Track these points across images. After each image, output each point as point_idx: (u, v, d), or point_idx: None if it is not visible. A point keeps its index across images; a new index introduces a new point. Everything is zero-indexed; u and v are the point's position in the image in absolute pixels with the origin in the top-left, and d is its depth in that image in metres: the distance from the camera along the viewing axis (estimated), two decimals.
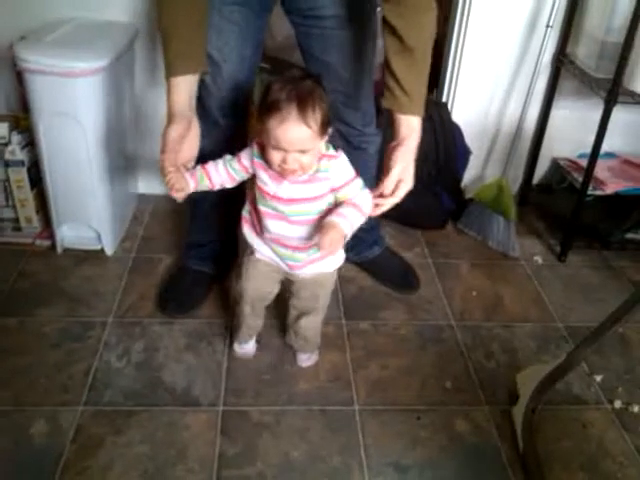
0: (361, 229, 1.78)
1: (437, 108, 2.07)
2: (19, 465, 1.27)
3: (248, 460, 1.31)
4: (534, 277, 1.95)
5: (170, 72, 1.28)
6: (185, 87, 1.30)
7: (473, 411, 1.47)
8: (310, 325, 1.50)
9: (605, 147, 1.92)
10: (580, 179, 2.01)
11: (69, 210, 1.83)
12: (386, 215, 1.86)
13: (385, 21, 1.27)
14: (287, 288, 1.47)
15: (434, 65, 2.22)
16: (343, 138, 1.63)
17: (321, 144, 1.20)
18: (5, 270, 1.79)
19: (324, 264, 1.37)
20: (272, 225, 1.29)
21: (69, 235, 1.89)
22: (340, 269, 1.43)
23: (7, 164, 1.82)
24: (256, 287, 1.44)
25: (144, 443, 1.33)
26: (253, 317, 1.51)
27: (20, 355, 1.52)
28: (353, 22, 1.44)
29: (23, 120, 1.87)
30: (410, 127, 1.31)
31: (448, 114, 2.09)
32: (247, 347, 1.57)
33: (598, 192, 2.05)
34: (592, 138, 1.86)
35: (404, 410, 1.46)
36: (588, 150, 1.90)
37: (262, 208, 1.29)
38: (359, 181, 1.27)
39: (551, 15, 1.90)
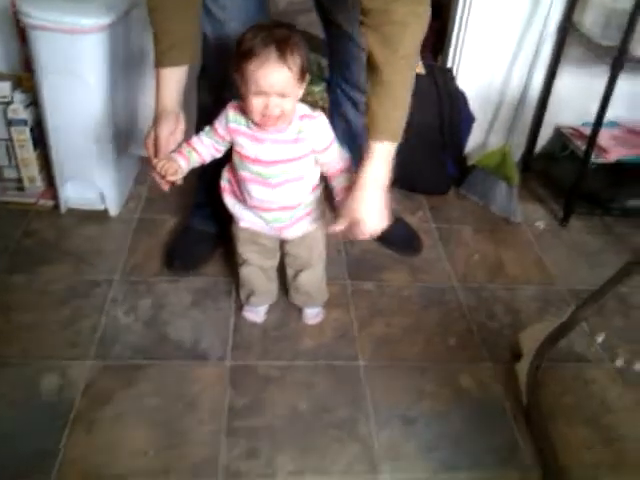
0: None
1: (442, 74, 2.06)
2: (30, 417, 1.28)
3: (256, 412, 1.33)
4: (536, 242, 1.97)
5: (161, 62, 1.29)
6: (175, 79, 1.31)
7: (477, 367, 1.49)
8: (309, 280, 1.51)
9: (609, 116, 1.92)
10: (583, 147, 2.02)
11: (73, 169, 1.82)
12: (392, 179, 1.90)
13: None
14: (281, 248, 1.49)
15: (439, 30, 2.24)
16: (353, 104, 1.64)
17: (300, 92, 1.22)
18: (9, 229, 1.79)
19: (310, 223, 1.40)
20: (254, 190, 1.30)
21: (73, 196, 1.88)
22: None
23: (10, 123, 1.81)
24: (253, 250, 1.46)
25: (154, 396, 1.34)
26: (265, 281, 1.51)
27: (26, 312, 1.52)
28: None
29: (26, 80, 1.85)
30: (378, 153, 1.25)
31: (453, 80, 2.08)
32: (258, 312, 1.57)
33: (600, 160, 2.06)
34: (596, 107, 1.86)
35: (409, 366, 1.48)
36: (591, 119, 1.91)
37: (243, 173, 1.30)
38: (336, 144, 1.30)
39: None
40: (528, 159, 2.30)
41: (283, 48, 1.13)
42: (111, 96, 1.73)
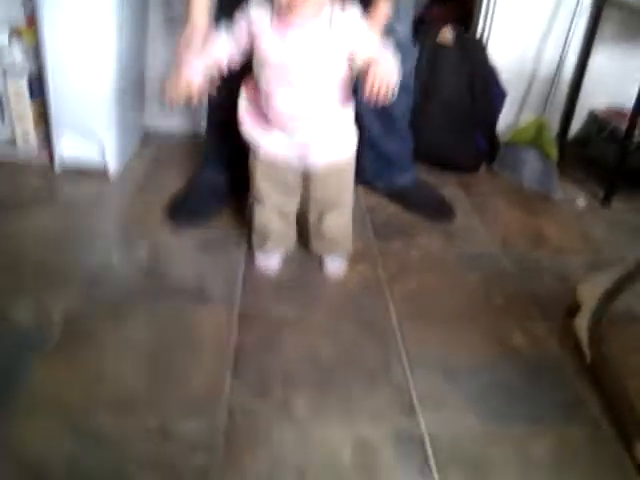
0: (390, 148, 1.63)
1: (473, 46, 1.93)
2: None
3: (268, 352, 1.11)
4: (578, 217, 1.78)
5: None
6: None
7: (528, 325, 1.27)
8: (336, 223, 1.32)
9: None
10: (623, 126, 1.86)
11: (71, 117, 1.65)
12: (418, 155, 1.73)
13: None
14: (305, 188, 1.29)
15: (467, 4, 2.13)
16: None
17: None
18: None
19: (338, 149, 1.23)
20: (279, 96, 1.13)
21: (70, 153, 1.70)
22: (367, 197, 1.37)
23: (5, 73, 1.67)
24: (272, 186, 1.27)
25: (147, 328, 1.14)
26: (282, 226, 1.33)
27: (3, 251, 1.32)
28: None
29: (26, 33, 1.72)
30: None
31: (485, 53, 1.94)
32: (272, 259, 1.37)
33: None
34: (632, 89, 1.71)
35: (447, 319, 1.26)
36: (628, 102, 1.76)
37: (266, 78, 1.13)
38: (376, 39, 1.13)
39: None
40: (562, 143, 2.13)
41: None
42: (118, 35, 1.59)
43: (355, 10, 1.11)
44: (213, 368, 1.06)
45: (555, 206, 1.83)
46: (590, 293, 1.27)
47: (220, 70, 1.15)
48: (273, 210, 1.30)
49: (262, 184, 1.27)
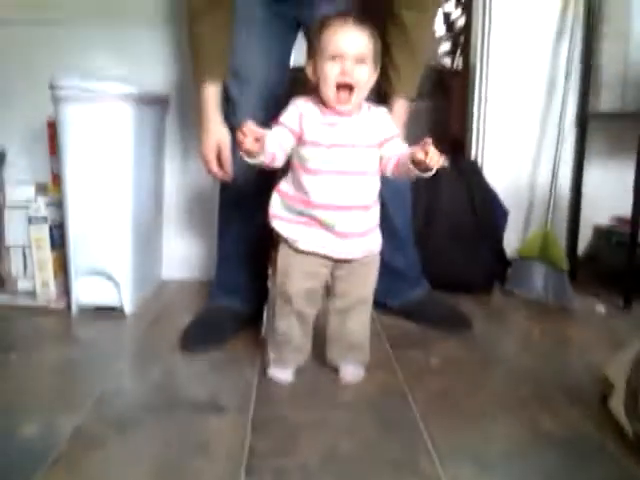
0: (399, 263, 1.65)
1: (469, 167, 2.04)
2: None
3: (284, 453, 1.04)
4: (600, 322, 1.73)
5: (211, 75, 1.43)
6: (216, 95, 1.45)
7: (559, 413, 1.19)
8: (357, 325, 1.32)
9: None
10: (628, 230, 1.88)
11: (89, 262, 1.72)
12: (428, 279, 1.75)
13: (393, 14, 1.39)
14: (331, 286, 1.30)
15: (461, 137, 2.27)
16: None
17: (372, 79, 1.22)
18: (14, 326, 1.64)
19: (373, 241, 1.28)
20: (328, 183, 1.20)
21: (87, 298, 1.74)
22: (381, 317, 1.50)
23: (30, 221, 1.78)
24: (303, 286, 1.25)
25: (156, 439, 1.07)
26: (301, 333, 1.29)
27: (17, 381, 1.31)
28: None
29: (51, 188, 1.87)
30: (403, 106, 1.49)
31: (480, 173, 2.04)
32: (286, 371, 1.32)
33: None
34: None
35: (474, 413, 1.19)
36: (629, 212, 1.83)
37: (314, 167, 1.20)
38: (401, 140, 1.27)
39: (568, 71, 1.97)
40: (573, 260, 2.14)
41: (361, 22, 1.18)
42: (135, 191, 1.72)
43: (384, 108, 1.28)
44: (226, 472, 0.98)
45: (575, 314, 1.80)
46: (619, 371, 1.20)
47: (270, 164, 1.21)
48: (296, 314, 1.27)
49: (293, 280, 1.25)
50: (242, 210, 1.57)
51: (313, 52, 1.21)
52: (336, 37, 1.15)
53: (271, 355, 1.32)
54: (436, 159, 1.12)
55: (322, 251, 1.23)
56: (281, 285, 1.27)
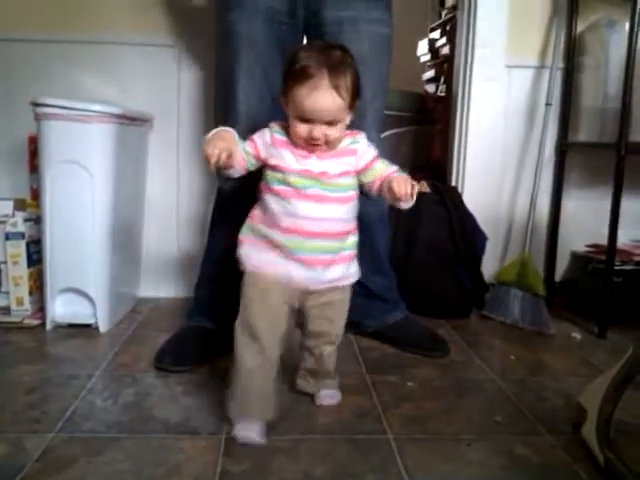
0: (380, 286, 1.65)
1: (449, 191, 2.05)
2: None
3: (257, 476, 1.03)
4: (576, 347, 1.74)
5: None
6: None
7: (534, 439, 1.19)
8: (332, 356, 1.31)
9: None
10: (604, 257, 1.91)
11: (65, 279, 1.70)
12: (407, 303, 1.74)
13: None
14: (300, 318, 1.26)
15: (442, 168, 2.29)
16: None
17: (348, 118, 1.15)
18: None
19: (343, 271, 1.22)
20: (294, 208, 1.13)
21: (62, 314, 1.73)
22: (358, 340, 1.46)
23: (7, 237, 1.75)
24: (268, 319, 1.16)
25: (126, 461, 1.06)
26: (264, 374, 1.16)
27: None
28: None
29: (30, 205, 1.85)
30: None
31: (460, 197, 2.06)
32: (252, 429, 1.14)
33: (628, 267, 1.94)
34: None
35: (449, 439, 1.19)
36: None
37: (282, 190, 1.14)
38: (381, 160, 1.21)
39: (548, 101, 2.01)
40: (550, 286, 2.15)
41: (336, 73, 1.08)
42: (113, 210, 1.71)
43: (363, 136, 1.21)
44: None
45: (551, 340, 1.81)
46: (593, 399, 1.21)
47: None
48: (259, 356, 1.15)
49: (257, 320, 1.15)
50: (227, 233, 1.56)
51: (285, 88, 1.12)
52: (307, 102, 1.07)
53: (232, 410, 1.18)
54: (405, 191, 1.09)
55: (283, 279, 1.16)
56: (243, 318, 1.17)
